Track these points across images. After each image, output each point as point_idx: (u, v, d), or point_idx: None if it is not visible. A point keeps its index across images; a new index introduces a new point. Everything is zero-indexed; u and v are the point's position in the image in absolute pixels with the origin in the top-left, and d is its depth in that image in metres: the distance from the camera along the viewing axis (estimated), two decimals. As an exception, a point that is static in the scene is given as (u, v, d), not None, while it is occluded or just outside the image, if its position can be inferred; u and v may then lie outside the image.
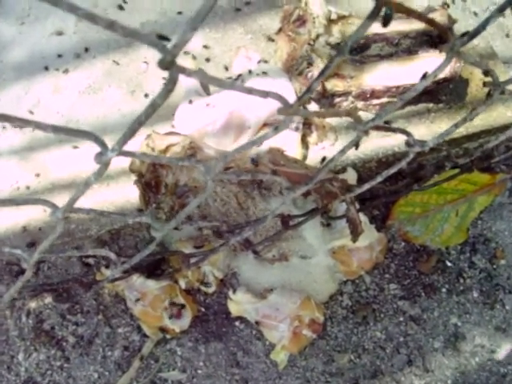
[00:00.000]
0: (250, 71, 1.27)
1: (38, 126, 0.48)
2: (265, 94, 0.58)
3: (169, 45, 0.43)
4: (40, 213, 1.23)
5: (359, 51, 1.06)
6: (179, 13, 1.39)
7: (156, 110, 0.51)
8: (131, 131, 0.52)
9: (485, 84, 0.85)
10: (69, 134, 0.51)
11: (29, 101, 1.34)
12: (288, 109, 0.60)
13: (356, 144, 0.91)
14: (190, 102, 1.23)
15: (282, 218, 1.02)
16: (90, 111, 1.31)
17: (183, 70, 0.46)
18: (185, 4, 1.40)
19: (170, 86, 0.47)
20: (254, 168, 1.03)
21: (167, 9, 1.40)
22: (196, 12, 0.40)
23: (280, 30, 1.31)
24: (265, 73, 1.27)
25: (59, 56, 1.38)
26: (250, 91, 0.57)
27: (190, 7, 1.39)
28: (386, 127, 0.87)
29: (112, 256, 0.91)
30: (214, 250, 1.02)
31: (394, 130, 0.88)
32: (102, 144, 0.53)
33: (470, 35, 0.62)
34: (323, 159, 1.21)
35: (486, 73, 0.79)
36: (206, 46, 1.36)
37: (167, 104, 1.32)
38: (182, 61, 1.30)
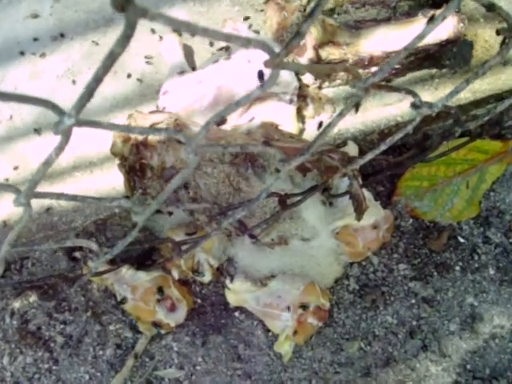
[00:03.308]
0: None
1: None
2: (246, 42, 0.49)
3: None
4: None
5: None
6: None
7: (115, 60, 0.42)
8: (88, 90, 0.44)
9: (498, 32, 0.76)
10: (23, 101, 0.44)
11: (5, 88, 1.26)
12: (275, 59, 0.52)
13: (356, 105, 0.82)
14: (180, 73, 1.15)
15: (279, 197, 0.94)
16: (69, 95, 1.23)
17: (144, 12, 0.38)
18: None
19: (128, 31, 0.39)
20: (243, 141, 0.95)
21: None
22: None
23: (268, -2, 1.23)
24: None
25: (35, 40, 1.30)
26: (229, 38, 0.48)
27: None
28: (389, 86, 0.79)
29: (93, 246, 0.83)
30: (205, 236, 0.94)
31: (398, 90, 0.79)
32: (60, 112, 0.45)
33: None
34: (320, 125, 1.12)
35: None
36: (191, 21, 1.28)
37: (151, 83, 1.24)
38: (167, 35, 1.22)
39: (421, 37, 0.59)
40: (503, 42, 0.73)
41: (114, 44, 0.40)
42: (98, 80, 0.43)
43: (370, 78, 0.62)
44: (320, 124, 1.13)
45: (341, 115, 0.69)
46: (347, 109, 0.68)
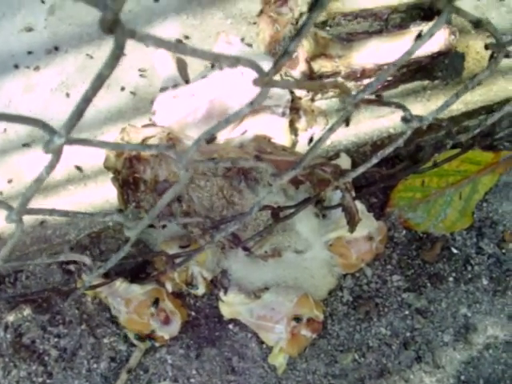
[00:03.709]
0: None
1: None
2: (235, 61, 0.50)
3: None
4: (15, 219, 1.15)
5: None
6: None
7: (104, 81, 0.43)
8: (78, 111, 0.44)
9: (487, 47, 0.77)
10: (14, 121, 0.44)
11: (-1, 101, 1.27)
12: (264, 77, 0.53)
13: (346, 120, 0.82)
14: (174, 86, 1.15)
15: (271, 210, 0.94)
16: (63, 109, 1.23)
17: (132, 33, 0.38)
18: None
19: (117, 51, 0.39)
20: (235, 155, 0.95)
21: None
22: None
23: (261, 11, 1.23)
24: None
25: (29, 53, 1.30)
26: (218, 57, 0.49)
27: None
28: (379, 101, 0.79)
29: (86, 260, 0.83)
30: (198, 249, 0.94)
31: (388, 104, 0.80)
32: (51, 131, 0.46)
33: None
34: (310, 140, 1.13)
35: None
36: (184, 34, 1.28)
37: (145, 96, 1.24)
38: (160, 49, 1.22)
39: (409, 53, 0.60)
40: (491, 57, 0.74)
41: (102, 66, 0.40)
42: (87, 100, 0.43)
43: (360, 93, 0.62)
44: (311, 139, 1.13)
45: (331, 130, 0.69)
46: (338, 123, 0.68)
